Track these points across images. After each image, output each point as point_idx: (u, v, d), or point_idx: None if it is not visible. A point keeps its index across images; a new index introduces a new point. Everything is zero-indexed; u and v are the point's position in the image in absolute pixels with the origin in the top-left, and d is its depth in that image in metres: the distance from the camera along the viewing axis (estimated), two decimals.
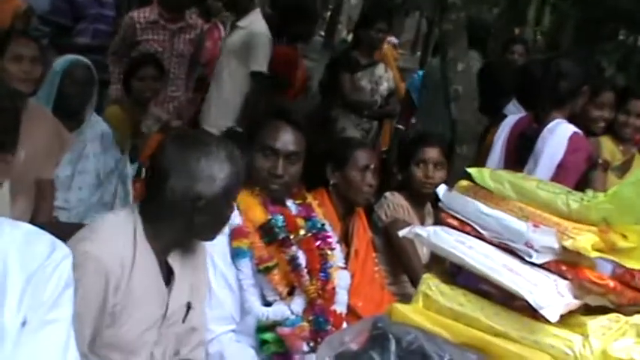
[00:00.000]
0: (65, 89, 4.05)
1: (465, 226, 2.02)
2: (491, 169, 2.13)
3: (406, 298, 2.77)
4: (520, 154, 3.90)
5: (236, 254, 2.64)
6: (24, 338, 1.57)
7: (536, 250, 1.88)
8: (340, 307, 2.82)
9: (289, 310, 2.64)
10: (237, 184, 2.30)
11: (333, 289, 2.80)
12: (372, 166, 3.56)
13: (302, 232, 2.78)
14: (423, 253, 3.72)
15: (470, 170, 2.09)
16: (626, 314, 1.88)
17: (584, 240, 1.84)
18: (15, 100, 1.74)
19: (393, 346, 1.87)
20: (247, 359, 2.60)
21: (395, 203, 3.82)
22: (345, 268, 2.99)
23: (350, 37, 9.72)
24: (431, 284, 2.02)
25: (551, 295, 1.81)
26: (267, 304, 2.64)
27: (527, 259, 1.89)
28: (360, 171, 3.53)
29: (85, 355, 1.99)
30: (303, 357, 2.64)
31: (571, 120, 3.88)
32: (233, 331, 2.64)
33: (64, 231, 2.21)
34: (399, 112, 6.30)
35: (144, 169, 4.32)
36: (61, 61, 4.15)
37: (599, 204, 1.89)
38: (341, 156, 3.57)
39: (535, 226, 1.90)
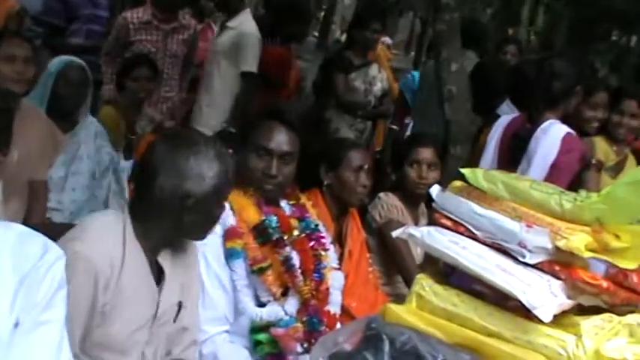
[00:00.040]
0: (59, 90, 4.05)
1: (458, 227, 2.02)
2: (484, 170, 2.14)
3: (400, 299, 2.77)
4: (513, 155, 3.90)
5: (230, 255, 2.63)
6: (17, 339, 1.57)
7: (529, 251, 1.88)
8: (334, 307, 2.82)
9: (283, 310, 2.64)
10: (227, 184, 2.29)
11: (327, 289, 2.80)
12: (366, 167, 3.57)
13: (296, 232, 2.78)
14: (417, 254, 3.72)
15: (463, 171, 2.09)
16: (619, 314, 1.89)
17: (578, 240, 1.84)
18: (7, 100, 1.74)
19: (386, 347, 1.87)
20: None
21: (389, 204, 3.82)
22: (339, 269, 2.99)
23: (344, 38, 9.73)
24: (424, 284, 2.02)
25: (545, 295, 1.81)
26: (261, 304, 2.64)
27: (521, 259, 1.90)
28: (353, 171, 3.53)
29: (77, 355, 1.99)
30: (297, 358, 2.64)
31: (564, 120, 3.88)
32: (227, 331, 2.64)
33: (58, 232, 2.21)
34: (393, 113, 6.30)
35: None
36: (55, 62, 4.15)
37: (592, 204, 1.90)
38: (335, 156, 3.57)
39: (528, 226, 1.90)
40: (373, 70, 5.92)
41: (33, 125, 3.53)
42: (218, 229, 2.63)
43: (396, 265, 3.77)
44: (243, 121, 4.92)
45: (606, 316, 1.87)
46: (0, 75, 3.51)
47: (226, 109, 5.38)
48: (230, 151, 2.81)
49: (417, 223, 3.77)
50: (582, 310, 1.89)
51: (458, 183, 2.10)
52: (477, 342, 1.88)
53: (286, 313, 2.64)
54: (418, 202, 3.91)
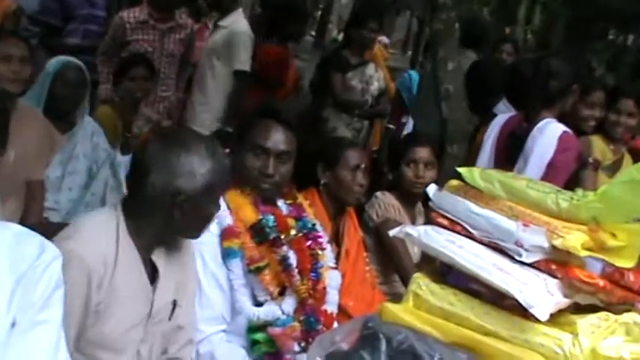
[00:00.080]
0: (56, 90, 4.05)
1: (455, 226, 2.02)
2: (481, 169, 2.13)
3: (397, 298, 2.77)
4: (510, 153, 3.91)
5: (227, 254, 2.63)
6: (13, 339, 1.57)
7: (526, 249, 1.88)
8: (331, 306, 2.82)
9: (280, 310, 2.64)
10: (220, 182, 2.29)
11: (324, 288, 2.80)
12: (363, 166, 3.57)
13: (293, 232, 2.78)
14: (414, 253, 3.72)
15: (460, 170, 2.09)
16: (615, 313, 1.89)
17: (574, 239, 1.84)
18: (4, 100, 1.74)
19: (383, 346, 1.87)
20: (238, 359, 2.60)
21: (386, 203, 3.82)
22: (336, 268, 2.99)
23: (341, 37, 9.73)
24: (421, 283, 2.02)
25: (541, 294, 1.81)
26: (258, 304, 2.64)
27: (517, 258, 1.90)
28: (350, 171, 3.53)
29: (72, 354, 1.99)
30: (294, 357, 2.63)
31: (561, 119, 3.89)
32: (224, 331, 2.64)
33: (55, 232, 2.22)
34: (390, 112, 6.30)
35: None
36: (53, 62, 4.15)
37: (588, 203, 1.90)
38: (332, 156, 3.57)
39: (525, 225, 1.90)
40: (370, 69, 5.92)
41: (30, 125, 3.52)
42: (215, 229, 2.63)
43: (393, 264, 3.77)
44: (237, 119, 4.93)
45: (603, 314, 1.87)
46: None
47: (219, 107, 5.39)
48: (227, 150, 2.82)
49: (414, 222, 3.77)
50: (579, 309, 1.89)
51: (455, 182, 2.10)
52: (473, 341, 1.88)
53: (283, 313, 2.64)
54: (415, 201, 3.91)
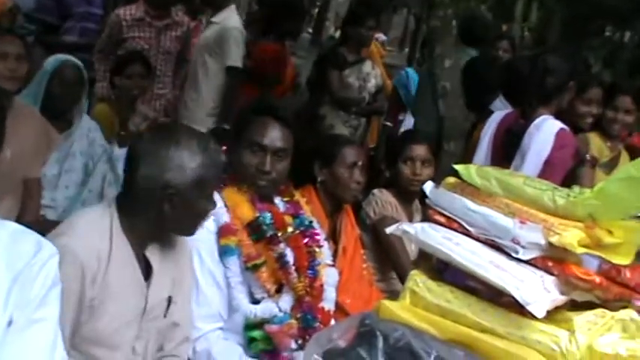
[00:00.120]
0: (53, 89, 4.04)
1: (452, 223, 2.02)
2: (478, 166, 2.13)
3: (395, 295, 2.77)
4: (507, 150, 3.91)
5: (224, 252, 2.63)
6: (10, 338, 1.57)
7: (522, 247, 1.88)
8: (328, 304, 2.82)
9: (277, 307, 2.64)
10: (213, 178, 2.29)
11: (321, 286, 2.80)
12: (360, 163, 3.57)
13: (290, 229, 2.78)
14: (412, 250, 3.72)
15: (457, 167, 2.10)
16: (611, 310, 1.89)
17: (571, 236, 1.84)
18: (0, 98, 1.74)
19: (380, 343, 1.87)
20: (235, 357, 2.60)
21: (383, 200, 3.82)
22: (333, 266, 2.99)
23: (338, 34, 9.72)
24: (418, 281, 2.02)
25: (538, 291, 1.82)
26: (255, 301, 2.64)
27: (514, 255, 1.90)
28: (347, 168, 3.53)
29: (68, 351, 2.00)
30: (291, 354, 2.64)
31: (558, 116, 3.89)
32: (221, 328, 2.64)
33: (51, 229, 2.22)
34: (387, 109, 6.31)
35: None
36: (51, 61, 4.14)
37: (585, 200, 1.90)
38: (328, 153, 3.57)
39: (522, 222, 1.90)
40: (367, 66, 5.92)
41: (26, 123, 3.52)
42: (212, 226, 2.63)
43: (390, 261, 3.78)
44: (230, 115, 4.93)
45: (599, 311, 1.87)
46: None
47: (211, 104, 5.40)
48: (224, 148, 2.82)
49: (411, 220, 3.77)
50: (575, 306, 1.89)
51: (451, 179, 2.10)
52: (470, 338, 1.89)
53: (280, 310, 2.64)
54: (412, 198, 3.91)
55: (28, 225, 1.74)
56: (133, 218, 2.26)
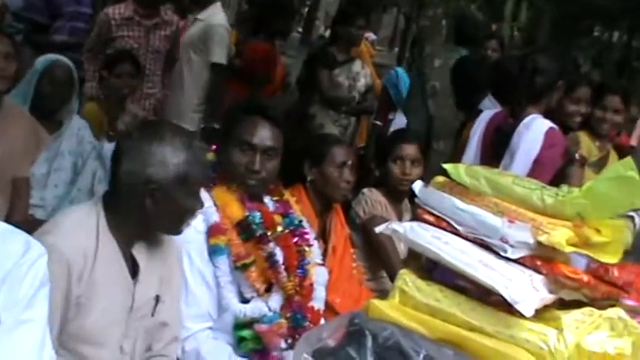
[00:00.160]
0: (42, 89, 4.03)
1: (441, 222, 2.02)
2: (467, 165, 2.14)
3: (385, 294, 2.76)
4: (496, 150, 3.92)
5: (213, 251, 2.63)
6: None
7: (511, 246, 1.89)
8: (318, 303, 2.82)
9: (267, 306, 2.64)
10: (196, 175, 2.28)
11: (311, 285, 2.80)
12: (350, 163, 3.57)
13: (279, 228, 2.78)
14: (402, 249, 3.73)
15: (446, 166, 2.10)
16: (599, 308, 1.89)
17: (559, 235, 1.84)
18: None
19: (369, 342, 1.87)
20: (224, 356, 2.60)
21: (373, 199, 3.83)
22: (323, 265, 2.99)
23: (327, 34, 9.72)
24: (407, 280, 2.02)
25: (527, 289, 1.82)
26: (245, 301, 2.64)
27: (503, 254, 1.90)
28: (337, 167, 3.53)
29: (56, 350, 1.99)
30: (281, 354, 2.64)
31: (546, 115, 3.90)
32: (210, 328, 2.64)
33: None
34: (377, 108, 6.31)
35: None
36: (42, 60, 4.13)
37: (573, 199, 1.90)
38: (318, 152, 3.58)
39: (510, 221, 1.90)
40: (356, 65, 5.92)
41: (16, 123, 3.51)
42: (201, 226, 2.63)
43: (381, 260, 3.78)
44: (215, 112, 4.93)
45: (587, 310, 1.88)
46: None
47: (196, 100, 5.40)
48: (214, 147, 2.82)
49: (400, 219, 3.78)
50: (564, 305, 1.90)
51: (440, 178, 2.10)
52: (459, 337, 1.89)
53: (270, 309, 2.64)
54: (402, 197, 3.92)
55: (17, 224, 1.74)
56: (118, 216, 2.27)
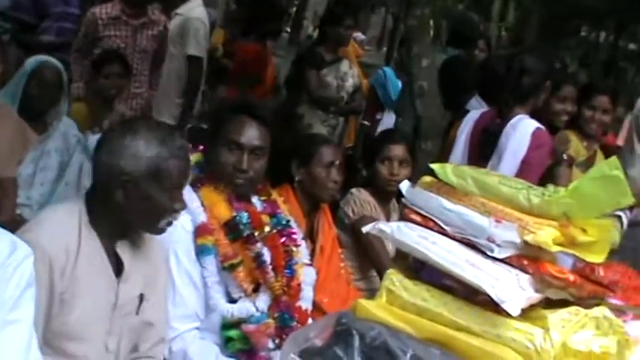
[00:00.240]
0: (30, 90, 4.02)
1: (428, 222, 2.02)
2: (454, 165, 2.14)
3: (375, 293, 2.78)
4: (483, 149, 3.93)
5: (201, 251, 2.63)
6: None
7: (498, 245, 1.89)
8: (305, 303, 2.82)
9: (254, 307, 2.64)
10: (172, 170, 2.26)
11: (299, 285, 2.80)
12: (337, 163, 3.57)
13: (267, 228, 2.78)
14: (391, 249, 3.73)
15: (433, 166, 2.10)
16: (585, 307, 1.90)
17: (545, 234, 1.85)
18: None
19: (356, 342, 1.87)
20: (211, 356, 2.59)
21: (361, 200, 3.83)
22: (311, 265, 2.99)
23: (316, 33, 9.73)
24: (394, 280, 2.03)
25: (513, 289, 1.83)
26: (232, 301, 2.63)
27: (489, 253, 1.91)
28: (325, 167, 3.53)
29: (40, 347, 1.99)
30: (269, 354, 2.64)
31: (533, 114, 3.91)
32: (197, 328, 2.63)
33: None
34: (365, 108, 6.31)
35: None
36: (31, 61, 4.11)
37: (559, 199, 1.91)
38: (306, 152, 3.57)
39: (497, 221, 1.91)
40: (344, 65, 5.93)
41: (3, 123, 3.50)
42: (189, 226, 2.62)
43: (370, 260, 3.78)
44: (214, 115, 4.92)
45: (573, 309, 1.89)
46: None
47: (175, 94, 5.40)
48: (201, 147, 2.82)
49: (389, 219, 3.78)
50: (550, 304, 1.91)
51: (427, 178, 2.11)
52: (446, 336, 1.89)
53: (257, 310, 2.64)
54: (389, 197, 3.92)
55: (3, 225, 1.73)
56: (98, 212, 2.28)
